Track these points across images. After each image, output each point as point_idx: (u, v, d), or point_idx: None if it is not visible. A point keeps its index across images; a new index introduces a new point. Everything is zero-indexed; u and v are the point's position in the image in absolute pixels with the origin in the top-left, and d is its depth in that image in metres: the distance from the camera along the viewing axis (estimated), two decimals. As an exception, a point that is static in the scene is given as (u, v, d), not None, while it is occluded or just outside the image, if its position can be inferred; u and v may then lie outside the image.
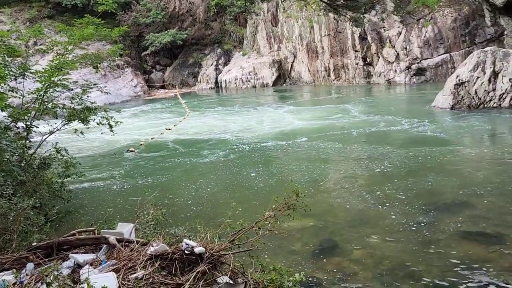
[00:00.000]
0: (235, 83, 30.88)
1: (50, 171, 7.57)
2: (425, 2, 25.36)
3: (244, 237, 4.21)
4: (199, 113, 20.04)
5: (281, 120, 16.93)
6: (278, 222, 4.27)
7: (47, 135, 7.21)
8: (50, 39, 10.84)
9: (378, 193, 7.80)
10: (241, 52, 34.35)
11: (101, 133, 8.31)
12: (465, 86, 14.76)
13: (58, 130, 7.23)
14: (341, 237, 6.26)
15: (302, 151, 11.54)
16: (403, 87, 23.49)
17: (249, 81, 30.68)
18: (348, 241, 6.16)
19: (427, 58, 23.88)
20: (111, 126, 7.60)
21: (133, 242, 4.44)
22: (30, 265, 4.01)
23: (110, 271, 3.74)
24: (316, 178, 8.98)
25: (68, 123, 7.31)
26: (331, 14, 27.19)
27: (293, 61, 29.91)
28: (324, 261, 5.60)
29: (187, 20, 36.22)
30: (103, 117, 7.61)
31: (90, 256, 4.23)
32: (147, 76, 35.33)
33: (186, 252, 3.98)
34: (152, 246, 4.18)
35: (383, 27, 25.33)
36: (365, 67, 25.64)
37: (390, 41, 24.75)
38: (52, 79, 7.19)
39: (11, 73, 6.81)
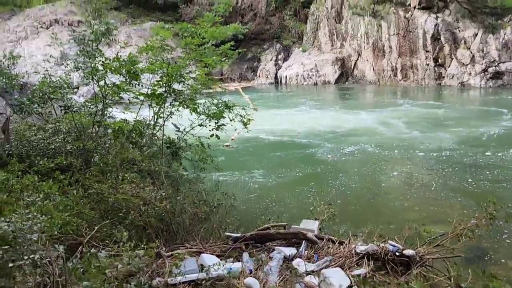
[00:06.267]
0: (296, 80, 30.93)
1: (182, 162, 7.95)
2: (504, 2, 24.33)
3: (446, 242, 4.35)
4: (276, 109, 20.23)
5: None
6: (477, 231, 4.38)
7: (189, 130, 7.59)
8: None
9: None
10: (300, 48, 34.30)
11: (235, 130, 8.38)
12: None
13: (201, 125, 7.56)
14: (486, 245, 6.27)
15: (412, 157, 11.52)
16: (478, 91, 22.74)
17: (310, 77, 30.63)
18: (493, 248, 6.17)
19: (505, 62, 22.97)
20: (245, 124, 7.85)
21: (326, 239, 4.67)
22: (246, 255, 4.31)
23: (335, 267, 3.97)
24: (411, 183, 9.01)
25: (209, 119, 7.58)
26: (401, 13, 26.73)
27: (357, 59, 29.58)
28: (481, 269, 5.64)
29: (248, 15, 36.58)
30: (237, 114, 7.87)
31: (292, 250, 4.49)
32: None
33: (397, 253, 4.16)
34: (356, 245, 4.39)
35: (458, 27, 24.55)
36: (436, 68, 24.97)
37: (465, 42, 23.97)
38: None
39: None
